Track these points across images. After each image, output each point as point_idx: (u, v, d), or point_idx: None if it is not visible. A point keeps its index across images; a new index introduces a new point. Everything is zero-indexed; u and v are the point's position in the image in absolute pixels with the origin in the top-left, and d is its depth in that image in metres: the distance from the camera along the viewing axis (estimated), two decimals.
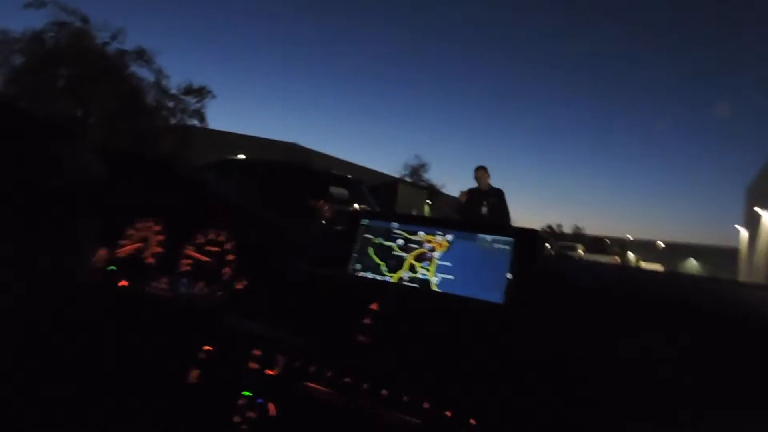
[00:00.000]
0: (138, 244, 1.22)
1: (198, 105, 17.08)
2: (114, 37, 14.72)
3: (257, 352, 0.92)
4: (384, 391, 0.79)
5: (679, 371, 0.72)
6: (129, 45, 15.29)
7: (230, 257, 1.13)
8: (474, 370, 0.79)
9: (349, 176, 8.39)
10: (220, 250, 1.15)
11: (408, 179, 29.27)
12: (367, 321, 0.90)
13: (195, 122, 17.34)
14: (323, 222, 5.90)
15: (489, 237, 0.93)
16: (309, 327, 0.94)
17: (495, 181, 6.12)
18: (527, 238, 0.91)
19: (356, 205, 7.52)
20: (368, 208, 7.53)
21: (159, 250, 1.21)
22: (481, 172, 6.21)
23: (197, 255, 1.16)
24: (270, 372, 0.90)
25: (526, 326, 0.82)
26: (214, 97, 17.37)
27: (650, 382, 0.71)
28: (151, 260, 1.20)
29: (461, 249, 0.95)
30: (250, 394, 0.89)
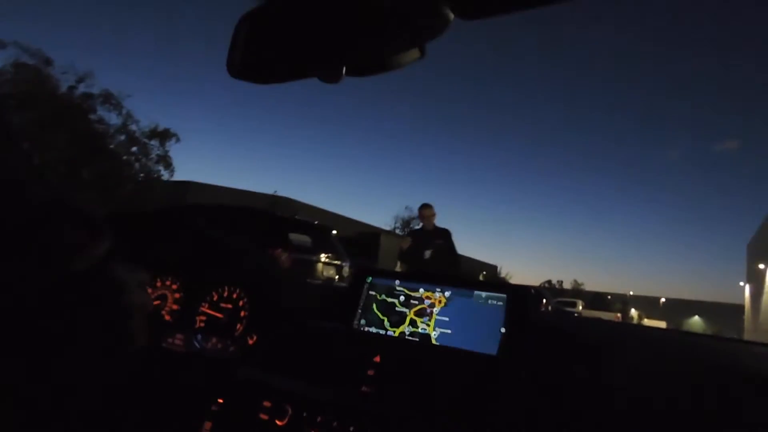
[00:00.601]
0: (156, 302, 1.30)
1: (161, 150, 16.01)
2: (81, 80, 14.03)
3: (267, 404, 0.97)
4: None
5: (674, 425, 0.78)
6: (111, 90, 14.39)
7: (242, 314, 1.20)
8: (470, 417, 0.85)
9: (316, 223, 7.92)
10: (232, 306, 1.22)
11: (399, 232, 28.22)
12: (371, 372, 0.97)
13: (160, 168, 16.26)
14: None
15: (484, 293, 1.02)
16: (316, 379, 1.00)
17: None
18: (519, 295, 1.00)
19: (323, 255, 7.04)
20: (335, 258, 7.16)
21: (176, 307, 1.28)
22: (426, 210, 5.54)
23: (211, 312, 1.23)
24: (279, 422, 0.95)
25: (518, 376, 0.89)
26: (178, 140, 16.35)
27: None
28: (168, 317, 1.27)
29: (458, 305, 1.03)
30: None
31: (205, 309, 1.24)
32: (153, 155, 16.16)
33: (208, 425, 1.01)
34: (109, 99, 14.78)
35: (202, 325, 1.23)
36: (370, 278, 1.15)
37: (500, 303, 0.99)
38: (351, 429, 0.88)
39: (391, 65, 0.60)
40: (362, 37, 0.58)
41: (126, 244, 1.00)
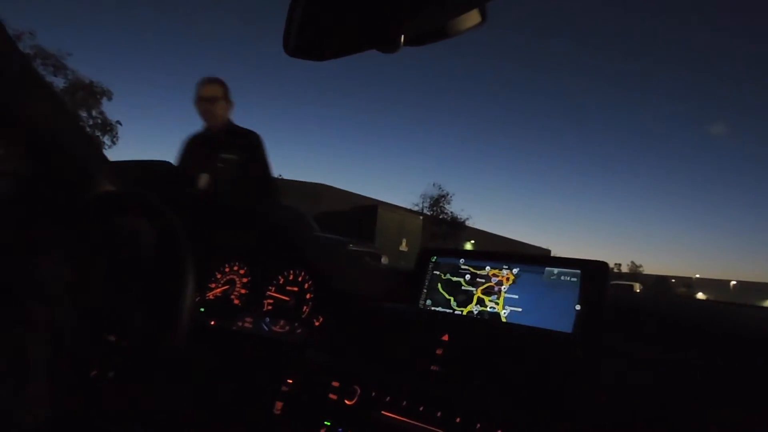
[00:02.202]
0: (225, 287, 1.34)
1: (95, 112, 13.30)
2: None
3: (336, 384, 0.98)
4: (457, 419, 0.83)
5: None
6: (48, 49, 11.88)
7: (308, 296, 1.22)
8: (545, 398, 0.82)
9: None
10: (298, 290, 1.24)
11: (427, 212, 26.30)
12: (439, 352, 0.95)
13: (99, 134, 13.71)
14: None
15: (555, 270, 0.98)
16: (384, 359, 1.00)
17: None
18: (595, 270, 0.95)
19: None
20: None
21: (244, 291, 1.32)
22: (205, 88, 2.74)
23: (278, 295, 1.26)
24: (348, 402, 0.95)
25: (595, 355, 0.85)
26: (110, 98, 13.61)
27: (726, 417, 0.71)
28: (237, 301, 1.31)
29: (528, 282, 1.00)
30: (330, 424, 0.95)
31: (271, 293, 1.27)
32: (89, 120, 13.60)
33: (279, 405, 1.03)
34: (46, 59, 12.61)
35: (270, 308, 1.26)
36: (435, 257, 1.13)
37: (574, 279, 0.95)
38: (420, 409, 0.87)
39: (451, 31, 0.58)
40: (421, 4, 0.55)
41: (194, 232, 1.03)
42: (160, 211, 0.85)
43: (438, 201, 27.30)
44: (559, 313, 0.93)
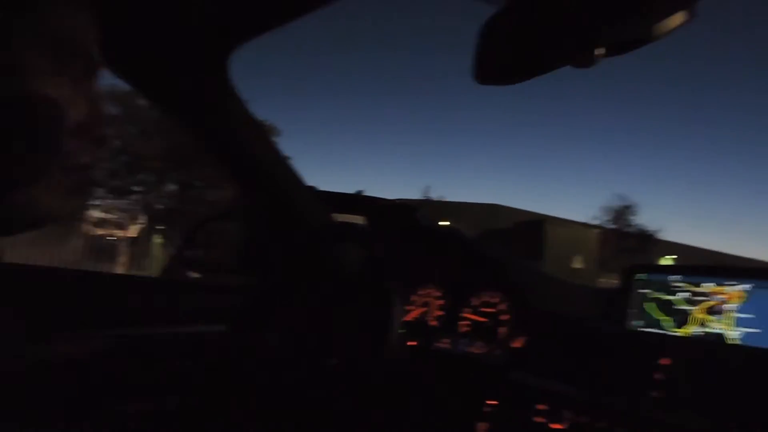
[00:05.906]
0: (422, 309, 1.43)
1: None
2: None
3: (542, 407, 0.97)
4: None
5: None
6: None
7: (506, 317, 1.23)
8: None
9: (398, 201, 5.87)
10: (495, 310, 1.26)
11: (610, 225, 23.24)
12: (659, 376, 0.88)
13: None
14: None
15: None
16: (593, 382, 0.96)
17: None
18: None
19: None
20: None
21: (440, 313, 1.39)
22: None
23: (474, 316, 1.30)
24: (556, 426, 0.93)
25: None
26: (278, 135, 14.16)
27: None
28: (434, 323, 1.38)
29: (764, 299, 0.88)
30: None
31: (467, 314, 1.31)
32: None
33: (482, 426, 1.05)
34: None
35: (467, 329, 1.30)
36: (642, 274, 1.06)
37: None
38: None
39: (654, 35, 0.54)
40: (621, 11, 0.53)
41: (392, 257, 1.13)
42: (369, 240, 0.96)
43: (622, 213, 24.60)
44: None
